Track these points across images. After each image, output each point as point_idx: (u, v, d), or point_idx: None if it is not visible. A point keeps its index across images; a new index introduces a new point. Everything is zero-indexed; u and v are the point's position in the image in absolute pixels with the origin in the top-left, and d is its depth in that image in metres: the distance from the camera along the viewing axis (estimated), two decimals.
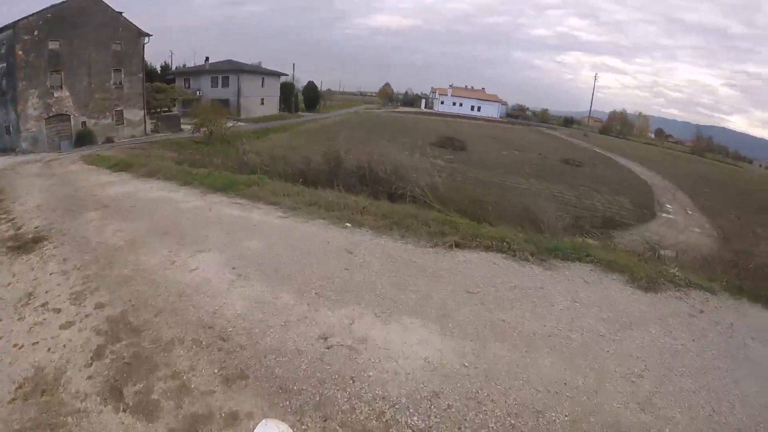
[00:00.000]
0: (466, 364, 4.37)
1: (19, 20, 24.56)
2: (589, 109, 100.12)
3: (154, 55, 64.69)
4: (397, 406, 3.82)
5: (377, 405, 3.84)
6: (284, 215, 8.83)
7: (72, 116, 28.02)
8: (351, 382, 4.07)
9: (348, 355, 4.40)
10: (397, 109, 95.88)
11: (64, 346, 4.84)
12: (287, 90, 64.19)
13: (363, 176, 13.05)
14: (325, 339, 4.61)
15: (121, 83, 31.30)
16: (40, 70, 25.75)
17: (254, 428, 2.94)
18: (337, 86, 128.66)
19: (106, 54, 29.70)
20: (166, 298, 5.55)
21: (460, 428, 3.66)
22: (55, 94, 26.94)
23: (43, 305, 5.73)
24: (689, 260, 16.40)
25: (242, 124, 39.88)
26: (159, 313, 5.24)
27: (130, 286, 5.99)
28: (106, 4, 29.48)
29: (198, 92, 48.27)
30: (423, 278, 6.09)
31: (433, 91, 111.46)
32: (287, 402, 3.84)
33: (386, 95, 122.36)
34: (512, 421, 3.77)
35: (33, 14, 25.23)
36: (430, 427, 3.65)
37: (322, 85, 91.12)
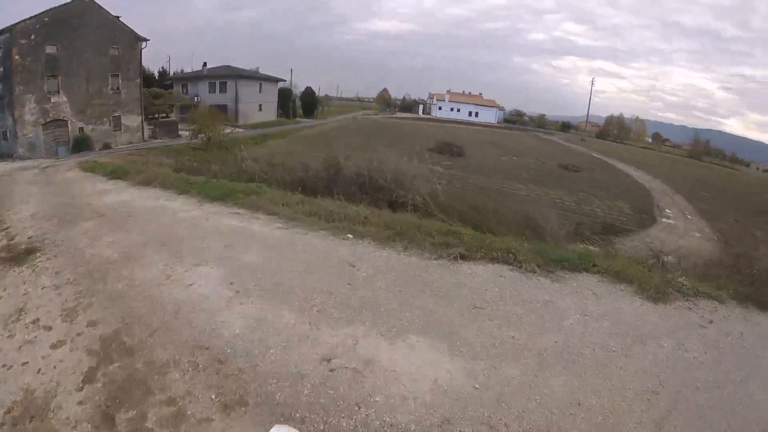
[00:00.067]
0: (477, 386, 4.17)
1: (15, 24, 24.33)
2: (586, 114, 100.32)
3: (152, 60, 64.52)
4: None
5: None
6: (284, 226, 8.60)
7: (69, 122, 27.76)
8: (357, 408, 3.85)
9: (353, 378, 4.17)
10: (394, 115, 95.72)
11: (54, 367, 4.62)
12: (285, 96, 63.99)
13: (363, 184, 12.81)
14: (329, 361, 4.39)
15: (118, 88, 31.04)
16: (37, 75, 25.48)
17: None
18: (334, 92, 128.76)
19: (103, 59, 29.49)
20: (161, 316, 5.32)
21: None
22: (53, 100, 26.67)
23: (34, 322, 5.51)
24: (691, 266, 16.30)
25: (240, 130, 39.79)
26: (154, 333, 5.01)
27: (123, 303, 5.76)
28: (103, 8, 29.31)
29: (196, 98, 47.93)
30: (428, 293, 5.88)
31: (431, 96, 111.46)
32: None
33: (384, 101, 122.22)
34: None
35: (30, 18, 24.99)
36: None
37: (320, 90, 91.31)
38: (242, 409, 3.86)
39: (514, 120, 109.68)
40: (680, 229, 26.83)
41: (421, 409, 3.85)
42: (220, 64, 54.30)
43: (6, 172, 19.17)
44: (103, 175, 15.57)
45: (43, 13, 25.71)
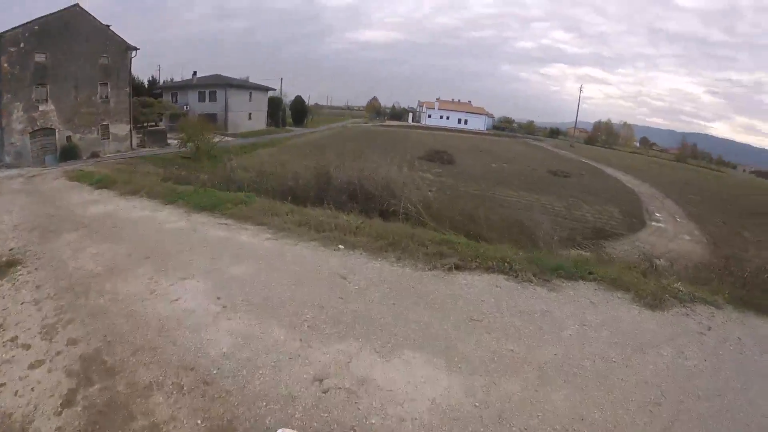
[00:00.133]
0: (477, 404, 4.00)
1: (4, 32, 23.99)
2: (574, 120, 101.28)
3: (142, 69, 64.38)
4: None
5: None
6: (273, 237, 8.39)
7: (57, 130, 27.39)
8: None
9: (347, 399, 3.97)
10: (384, 123, 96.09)
11: (32, 389, 4.38)
12: (275, 104, 64.05)
13: (353, 193, 12.64)
14: (321, 381, 4.18)
15: (107, 97, 30.74)
16: (25, 83, 25.12)
17: None
18: (324, 100, 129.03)
19: (92, 67, 29.21)
20: (144, 334, 5.08)
21: None
22: (41, 108, 26.30)
23: (12, 340, 5.25)
24: (682, 268, 16.34)
25: (230, 138, 39.70)
26: (136, 352, 4.78)
27: (105, 319, 5.51)
28: (93, 17, 29.08)
29: (185, 107, 47.76)
30: (423, 306, 5.70)
31: (421, 104, 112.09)
32: None
33: (374, 109, 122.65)
34: None
35: (19, 26, 24.67)
36: None
37: (310, 99, 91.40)
38: None
39: (503, 127, 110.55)
40: (670, 232, 26.94)
41: (419, 431, 3.67)
42: (210, 74, 54.22)
43: None
44: (89, 184, 15.24)
45: (33, 21, 25.39)
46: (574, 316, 5.86)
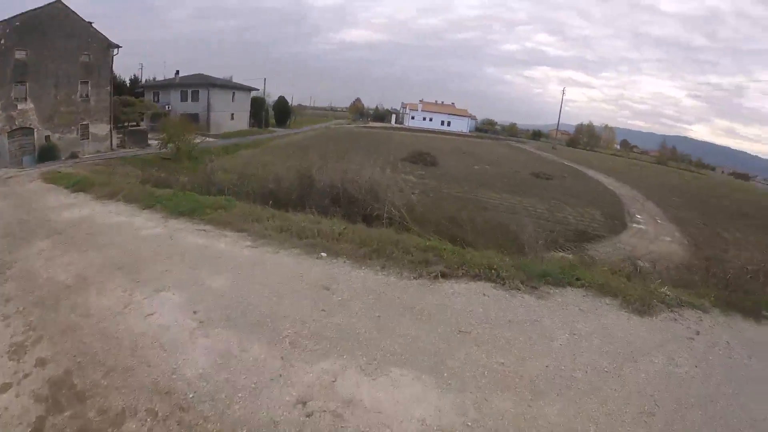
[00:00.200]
0: (469, 423, 3.86)
1: None
2: (557, 123, 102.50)
3: (124, 68, 63.23)
4: None
5: None
6: (253, 244, 8.13)
7: (36, 130, 26.46)
8: None
9: (332, 423, 3.78)
10: (367, 125, 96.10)
11: None
12: (258, 105, 63.79)
13: (336, 196, 12.44)
14: (304, 404, 3.97)
15: (87, 96, 29.94)
16: (4, 81, 24.20)
17: None
18: (308, 101, 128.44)
19: (73, 65, 28.44)
20: (116, 354, 4.81)
21: None
22: (19, 107, 25.38)
23: None
24: (664, 269, 16.51)
25: (211, 139, 39.30)
26: (108, 374, 4.51)
27: (76, 337, 5.22)
28: (76, 13, 28.33)
29: (167, 106, 47.06)
30: (410, 317, 5.53)
31: (404, 106, 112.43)
32: None
33: (357, 110, 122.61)
34: None
35: (0, 22, 23.94)
36: None
37: (293, 100, 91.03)
38: None
39: (486, 129, 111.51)
40: (651, 234, 27.28)
41: None
42: (193, 73, 53.72)
43: None
44: (66, 187, 14.70)
45: (13, 17, 24.53)
46: (564, 325, 5.79)
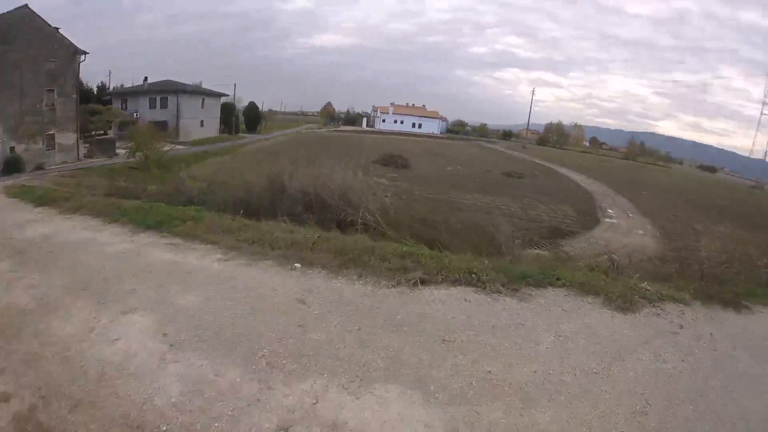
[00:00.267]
0: None
1: None
2: (527, 122, 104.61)
3: (92, 75, 62.03)
4: None
5: None
6: (224, 257, 7.82)
7: (0, 141, 25.47)
8: None
9: None
10: (338, 128, 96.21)
11: None
12: (228, 111, 63.87)
13: (309, 203, 12.22)
14: (286, 430, 3.74)
15: (53, 105, 29.03)
16: None
17: None
18: (278, 106, 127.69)
19: (38, 73, 27.56)
20: (82, 385, 4.45)
21: None
22: None
23: None
24: (638, 261, 16.85)
25: (181, 147, 39.15)
26: (75, 408, 4.17)
27: (40, 368, 4.83)
28: (41, 19, 27.41)
29: (135, 114, 46.50)
30: (391, 329, 5.37)
31: (375, 109, 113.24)
32: None
33: (328, 114, 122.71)
34: None
35: None
36: None
37: (264, 105, 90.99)
38: None
39: (457, 130, 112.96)
40: (623, 228, 27.92)
41: None
42: (162, 79, 53.16)
43: None
44: (30, 201, 13.90)
45: None
46: (549, 327, 5.75)
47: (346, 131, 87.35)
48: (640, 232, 27.00)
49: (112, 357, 4.80)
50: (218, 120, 59.81)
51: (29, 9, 26.59)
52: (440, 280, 6.83)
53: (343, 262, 7.47)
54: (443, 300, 6.25)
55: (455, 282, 6.78)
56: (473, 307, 6.09)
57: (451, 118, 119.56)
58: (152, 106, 48.42)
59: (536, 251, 18.65)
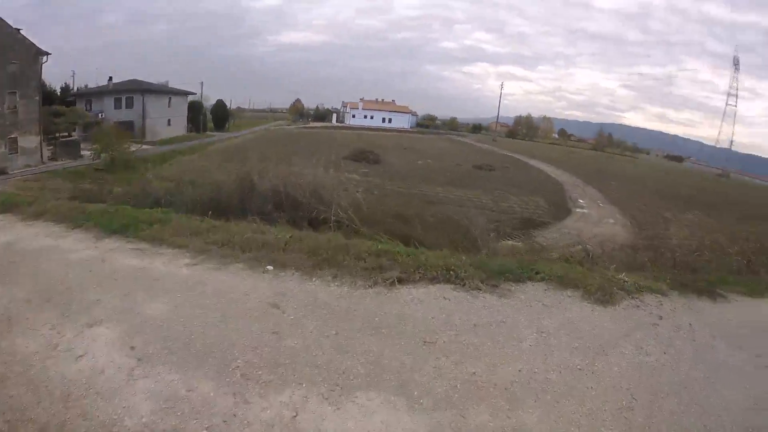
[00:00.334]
0: None
1: None
2: (496, 115, 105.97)
3: (55, 76, 60.29)
4: None
5: None
6: (193, 261, 7.46)
7: None
8: None
9: None
10: (308, 125, 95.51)
11: None
12: (195, 109, 63.75)
13: (279, 202, 11.95)
14: None
15: (15, 107, 28.06)
16: None
17: None
18: (247, 104, 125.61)
19: (0, 75, 26.47)
20: (48, 407, 4.11)
21: None
22: None
23: None
24: (610, 250, 17.16)
25: (147, 147, 38.98)
26: None
27: (4, 390, 4.44)
28: (2, 20, 26.25)
29: (100, 114, 45.57)
30: (369, 332, 5.22)
31: (344, 105, 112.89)
32: None
33: (297, 111, 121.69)
34: None
35: None
36: None
37: (232, 103, 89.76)
38: None
39: (427, 124, 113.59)
40: (594, 218, 28.54)
41: None
42: (128, 79, 52.38)
43: None
44: None
45: None
46: (531, 324, 5.72)
47: (316, 127, 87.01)
48: (611, 221, 27.64)
49: (78, 375, 4.47)
50: (185, 119, 59.51)
51: None
52: (418, 278, 6.71)
53: (317, 262, 7.26)
54: (422, 299, 6.13)
55: (433, 280, 6.67)
56: (453, 305, 6.00)
57: (421, 112, 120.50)
58: (117, 106, 47.87)
59: (510, 242, 18.88)
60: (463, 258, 7.62)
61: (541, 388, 4.43)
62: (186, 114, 59.82)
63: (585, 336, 5.55)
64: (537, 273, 7.26)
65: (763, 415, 4.45)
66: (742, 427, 4.24)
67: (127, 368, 4.48)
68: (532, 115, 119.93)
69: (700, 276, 8.47)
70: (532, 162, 54.64)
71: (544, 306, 6.25)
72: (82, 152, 33.69)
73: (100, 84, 53.77)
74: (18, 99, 28.35)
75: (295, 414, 3.78)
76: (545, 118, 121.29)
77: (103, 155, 29.32)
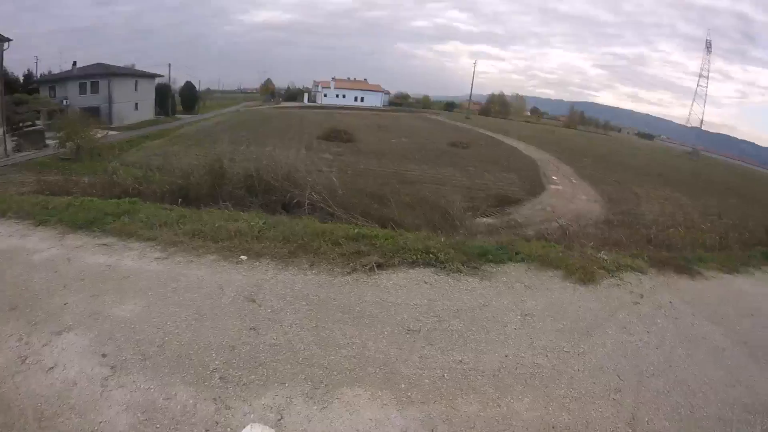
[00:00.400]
0: None
1: None
2: (469, 94, 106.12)
3: (17, 63, 57.36)
4: None
5: None
6: (163, 255, 7.09)
7: None
8: None
9: None
10: (279, 105, 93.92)
11: None
12: (163, 92, 61.75)
13: (252, 187, 11.64)
14: None
15: None
16: None
17: None
18: (216, 85, 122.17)
19: None
20: (22, 428, 3.84)
21: None
22: None
23: None
24: (584, 226, 17.43)
25: (115, 132, 37.57)
26: None
27: None
28: None
29: (64, 101, 43.83)
30: (351, 322, 5.08)
31: (316, 84, 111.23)
32: None
33: (268, 91, 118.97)
34: None
35: None
36: None
37: (201, 84, 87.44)
38: None
39: (400, 102, 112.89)
40: (568, 194, 28.94)
41: None
42: (93, 63, 50.56)
43: None
44: None
45: None
46: (514, 306, 5.71)
47: (288, 107, 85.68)
48: (584, 197, 28.07)
49: (50, 390, 4.15)
50: (153, 102, 57.90)
51: None
52: (397, 262, 6.58)
53: (293, 249, 7.04)
54: (403, 285, 6.03)
55: (413, 264, 6.57)
56: (434, 290, 5.93)
57: (394, 90, 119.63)
58: (82, 91, 46.20)
59: (486, 220, 19.01)
60: (443, 239, 7.56)
61: (529, 374, 4.41)
62: (154, 97, 58.22)
63: (569, 317, 5.56)
64: (517, 253, 7.28)
65: (745, 391, 4.54)
66: (726, 404, 4.31)
67: (100, 378, 4.19)
68: (505, 93, 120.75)
69: (677, 254, 8.61)
70: (506, 140, 54.94)
71: (527, 287, 6.25)
72: (48, 141, 32.33)
73: (64, 69, 52.02)
74: None
75: (280, 417, 3.62)
76: (518, 97, 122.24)
77: (68, 144, 28.23)
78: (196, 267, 6.62)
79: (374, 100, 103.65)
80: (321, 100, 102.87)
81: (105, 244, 7.53)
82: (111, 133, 35.26)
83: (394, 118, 72.77)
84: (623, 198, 27.39)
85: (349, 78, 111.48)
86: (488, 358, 4.58)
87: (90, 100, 45.00)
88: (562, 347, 4.91)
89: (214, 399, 3.82)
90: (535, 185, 29.86)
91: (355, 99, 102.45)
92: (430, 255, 6.76)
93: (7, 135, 29.77)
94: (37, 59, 72.85)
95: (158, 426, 3.60)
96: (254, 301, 5.52)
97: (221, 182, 11.78)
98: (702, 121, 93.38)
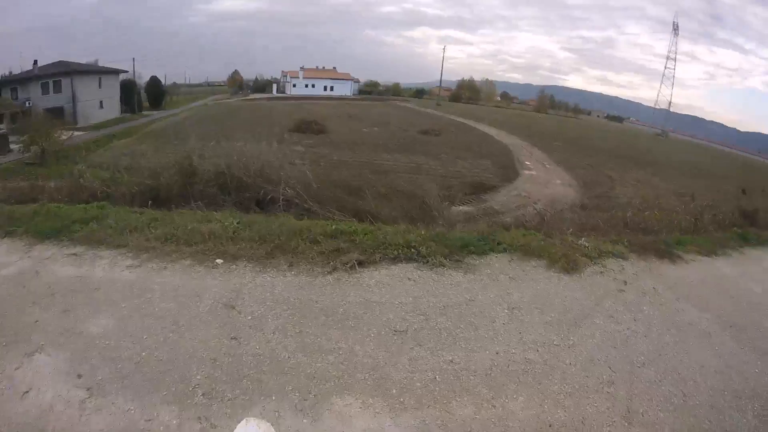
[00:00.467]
0: None
1: None
2: (439, 80, 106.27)
3: None
4: None
5: None
6: (135, 262, 6.74)
7: None
8: None
9: None
10: (248, 97, 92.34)
11: None
12: (129, 89, 60.09)
13: (224, 184, 11.33)
14: None
15: None
16: None
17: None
18: (183, 79, 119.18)
19: None
20: None
21: None
22: None
23: None
24: (559, 211, 17.60)
25: (80, 133, 36.29)
26: None
27: None
28: None
29: (27, 103, 42.21)
30: (335, 325, 4.94)
31: (285, 74, 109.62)
32: None
33: (236, 83, 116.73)
34: None
35: None
36: None
37: (167, 79, 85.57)
38: None
39: (369, 91, 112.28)
40: (542, 179, 29.24)
41: None
42: (54, 61, 48.57)
43: None
44: None
45: None
46: (500, 299, 5.67)
47: (256, 99, 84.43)
48: (558, 182, 28.40)
49: (26, 416, 3.86)
50: (118, 99, 56.44)
51: None
52: (379, 259, 6.46)
53: (270, 250, 6.82)
54: (386, 282, 5.91)
55: (395, 260, 6.46)
56: (419, 287, 5.83)
57: (364, 78, 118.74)
58: (45, 91, 44.47)
59: (463, 208, 19.03)
60: (423, 232, 7.46)
61: (522, 370, 4.37)
62: (119, 94, 56.74)
63: (556, 309, 5.56)
64: (499, 244, 7.25)
65: (735, 376, 4.59)
66: (717, 390, 4.36)
67: (77, 401, 3.94)
68: (475, 79, 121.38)
69: (654, 237, 8.72)
70: (478, 125, 55.18)
71: (511, 279, 6.22)
72: (12, 146, 31.01)
73: (25, 69, 49.79)
74: None
75: None
76: (487, 81, 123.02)
77: (33, 148, 27.27)
78: (171, 274, 6.34)
79: (344, 89, 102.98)
80: (290, 91, 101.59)
81: (74, 254, 7.11)
82: (76, 133, 34.18)
83: (364, 107, 72.38)
84: (597, 181, 27.81)
85: (317, 67, 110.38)
86: (479, 356, 4.51)
87: (53, 100, 43.66)
88: (552, 340, 4.88)
89: (199, 418, 3.65)
90: (509, 171, 30.04)
91: (325, 88, 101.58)
92: (412, 249, 6.65)
93: None
94: None
95: None
96: (233, 307, 5.31)
97: (192, 181, 11.40)
98: (670, 103, 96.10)
